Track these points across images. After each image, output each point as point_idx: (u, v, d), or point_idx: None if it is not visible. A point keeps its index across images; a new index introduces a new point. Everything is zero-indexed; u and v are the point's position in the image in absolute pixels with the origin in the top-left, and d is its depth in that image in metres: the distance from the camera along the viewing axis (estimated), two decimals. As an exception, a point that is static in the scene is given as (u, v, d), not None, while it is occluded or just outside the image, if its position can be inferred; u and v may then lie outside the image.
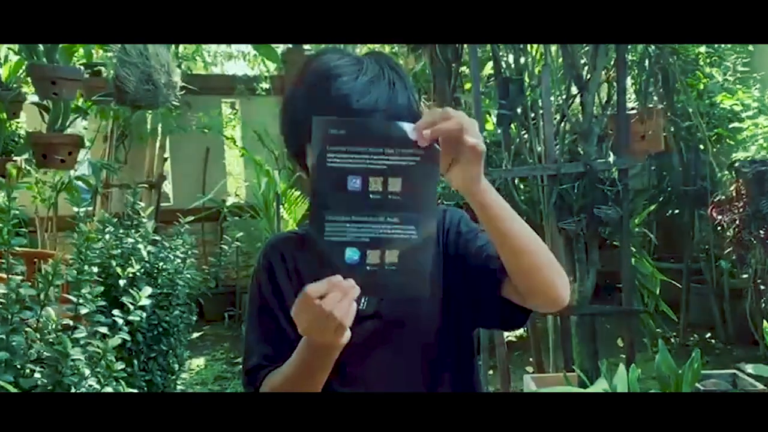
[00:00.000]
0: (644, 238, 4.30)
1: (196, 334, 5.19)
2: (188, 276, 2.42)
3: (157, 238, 2.35)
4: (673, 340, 4.40)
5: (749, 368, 2.71)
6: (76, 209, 2.04)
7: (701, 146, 4.21)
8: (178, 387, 2.51)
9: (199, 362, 4.74)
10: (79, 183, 4.50)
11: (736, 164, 3.61)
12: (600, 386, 2.28)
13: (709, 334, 4.54)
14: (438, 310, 1.09)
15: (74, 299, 1.53)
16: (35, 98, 3.46)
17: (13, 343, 1.43)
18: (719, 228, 3.81)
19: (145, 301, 1.79)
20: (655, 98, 3.95)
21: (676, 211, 4.60)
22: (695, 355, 2.25)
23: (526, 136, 3.47)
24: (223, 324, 5.59)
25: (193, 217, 2.65)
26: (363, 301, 1.04)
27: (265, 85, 5.37)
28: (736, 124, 4.05)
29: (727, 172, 3.77)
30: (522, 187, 4.26)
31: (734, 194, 3.53)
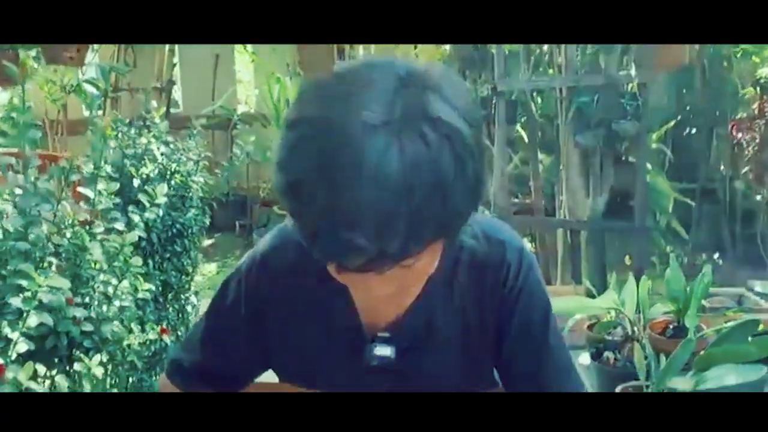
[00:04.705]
0: (660, 155, 4.24)
1: (207, 242, 5.27)
2: (202, 179, 2.40)
3: (170, 139, 2.33)
4: (681, 260, 4.42)
5: (758, 286, 2.73)
6: (88, 112, 2.01)
7: (725, 63, 4.07)
8: (192, 288, 2.55)
9: (210, 268, 4.83)
10: (88, 87, 4.43)
11: (761, 81, 3.51)
12: (609, 298, 2.29)
13: (717, 255, 4.55)
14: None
15: (90, 194, 1.52)
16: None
17: (32, 235, 1.43)
18: (738, 147, 3.74)
19: (161, 199, 1.79)
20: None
21: (694, 131, 4.51)
22: (706, 271, 2.25)
23: (546, 46, 3.36)
24: (233, 232, 5.65)
25: (205, 120, 2.61)
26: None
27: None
28: (763, 41, 3.91)
29: (751, 88, 3.67)
30: (539, 100, 4.18)
31: (756, 112, 3.45)
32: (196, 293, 2.65)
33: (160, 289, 2.30)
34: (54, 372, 1.36)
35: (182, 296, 2.46)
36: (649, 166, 3.26)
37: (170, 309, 2.39)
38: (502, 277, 0.90)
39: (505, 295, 0.90)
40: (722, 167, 4.32)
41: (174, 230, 2.28)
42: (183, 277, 2.41)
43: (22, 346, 1.08)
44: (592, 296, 2.54)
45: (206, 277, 4.53)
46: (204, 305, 3.81)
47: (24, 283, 1.11)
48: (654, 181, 3.32)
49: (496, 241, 0.90)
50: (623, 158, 3.32)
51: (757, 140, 3.39)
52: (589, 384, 2.28)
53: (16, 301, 1.09)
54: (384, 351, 0.90)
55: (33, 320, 1.10)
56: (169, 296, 2.38)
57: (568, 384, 0.96)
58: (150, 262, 2.18)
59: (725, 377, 1.78)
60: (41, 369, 1.31)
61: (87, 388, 1.27)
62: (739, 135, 3.54)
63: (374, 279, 0.71)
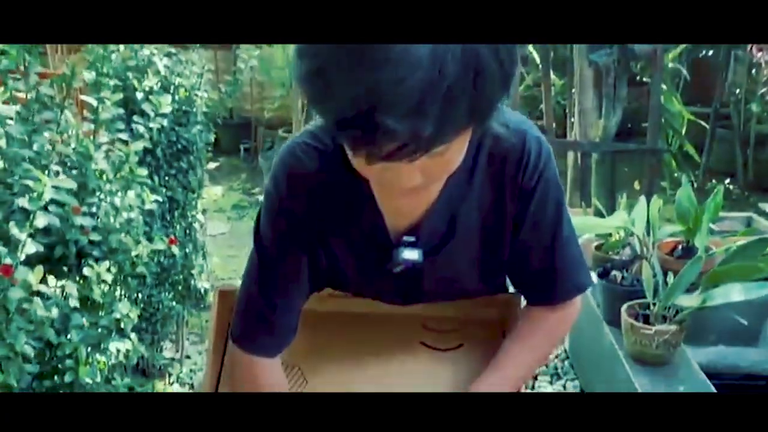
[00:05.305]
0: (675, 77, 4.14)
1: (212, 165, 5.24)
2: (205, 94, 2.36)
3: (173, 50, 2.26)
4: (692, 183, 4.39)
5: (769, 207, 2.70)
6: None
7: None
8: (199, 207, 2.54)
9: (216, 191, 4.83)
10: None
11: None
12: (619, 217, 2.28)
13: (728, 180, 4.52)
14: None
15: (93, 102, 1.48)
16: None
17: (36, 144, 1.41)
18: (756, 68, 3.64)
19: (165, 109, 1.75)
20: None
21: (710, 52, 4.39)
22: (718, 190, 2.22)
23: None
24: (238, 156, 5.61)
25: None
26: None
27: None
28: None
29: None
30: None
31: (778, 31, 3.32)
32: (204, 211, 2.65)
33: (167, 205, 2.29)
34: (64, 281, 1.36)
35: (189, 214, 2.45)
36: (663, 86, 3.18)
37: (177, 227, 2.39)
38: (522, 165, 0.88)
39: (524, 184, 0.89)
40: (738, 90, 4.23)
41: (179, 146, 2.25)
42: (189, 194, 2.40)
43: (31, 248, 1.07)
44: (602, 216, 2.53)
45: (212, 201, 4.53)
46: (211, 226, 3.79)
47: (30, 183, 1.09)
48: (668, 102, 3.24)
49: (516, 130, 0.88)
50: (638, 78, 3.23)
51: (778, 59, 3.29)
52: (595, 303, 2.30)
53: (22, 201, 1.08)
54: (411, 255, 0.90)
55: (40, 221, 1.09)
56: (176, 213, 2.37)
57: (578, 278, 0.97)
58: (156, 178, 2.17)
59: (732, 294, 1.78)
60: (52, 281, 1.31)
61: (97, 293, 1.27)
62: (759, 54, 3.43)
63: (403, 169, 0.69)
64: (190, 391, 2.54)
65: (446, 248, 0.92)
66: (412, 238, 0.91)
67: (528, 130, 0.89)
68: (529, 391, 2.50)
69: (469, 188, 0.89)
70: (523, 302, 1.06)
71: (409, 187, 0.74)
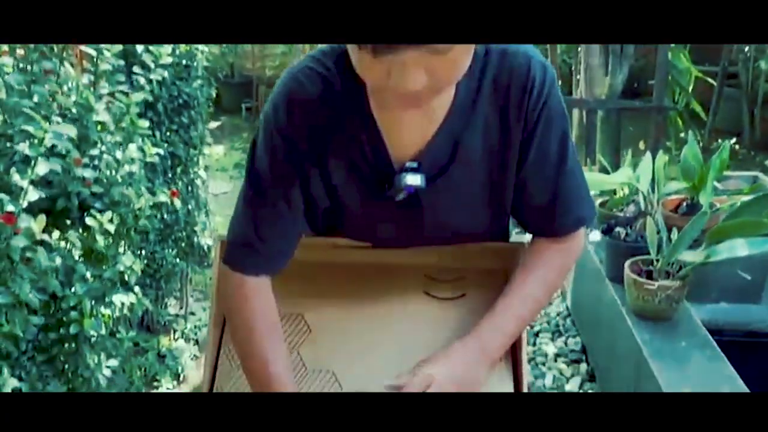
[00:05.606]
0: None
1: (214, 124, 5.20)
2: (206, 48, 2.32)
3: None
4: (698, 141, 4.36)
5: (776, 165, 2.67)
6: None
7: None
8: (201, 163, 2.52)
9: (218, 150, 4.81)
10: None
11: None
12: (624, 173, 2.26)
13: (734, 140, 4.48)
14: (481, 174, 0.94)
15: (92, 52, 1.46)
16: None
17: (36, 95, 1.39)
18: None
19: (166, 60, 1.72)
20: None
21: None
22: (724, 146, 2.20)
23: None
24: (240, 115, 5.58)
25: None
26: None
27: None
28: None
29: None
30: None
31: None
32: (206, 168, 2.64)
33: (168, 162, 2.28)
34: (67, 233, 1.36)
35: (191, 170, 2.44)
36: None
37: (180, 183, 2.38)
38: (527, 91, 0.86)
39: (529, 112, 0.88)
40: (747, 48, 4.16)
41: (180, 101, 2.23)
42: (191, 150, 2.38)
43: (33, 195, 1.06)
44: (607, 173, 2.51)
45: (214, 159, 4.51)
46: (213, 185, 3.77)
47: (30, 129, 1.08)
48: (676, 59, 3.19)
49: (521, 54, 0.87)
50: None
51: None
52: (599, 259, 2.31)
53: (23, 147, 1.06)
54: (414, 180, 0.88)
55: (41, 168, 1.08)
56: (178, 170, 2.36)
57: (580, 211, 0.96)
58: (157, 133, 2.15)
59: (736, 249, 1.78)
60: (55, 234, 1.31)
61: (100, 244, 1.27)
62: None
63: (409, 66, 0.69)
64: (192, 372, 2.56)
65: (448, 174, 0.91)
66: (414, 164, 0.89)
67: (533, 56, 0.87)
68: (531, 386, 2.53)
69: (473, 114, 0.88)
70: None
71: (414, 91, 0.72)
